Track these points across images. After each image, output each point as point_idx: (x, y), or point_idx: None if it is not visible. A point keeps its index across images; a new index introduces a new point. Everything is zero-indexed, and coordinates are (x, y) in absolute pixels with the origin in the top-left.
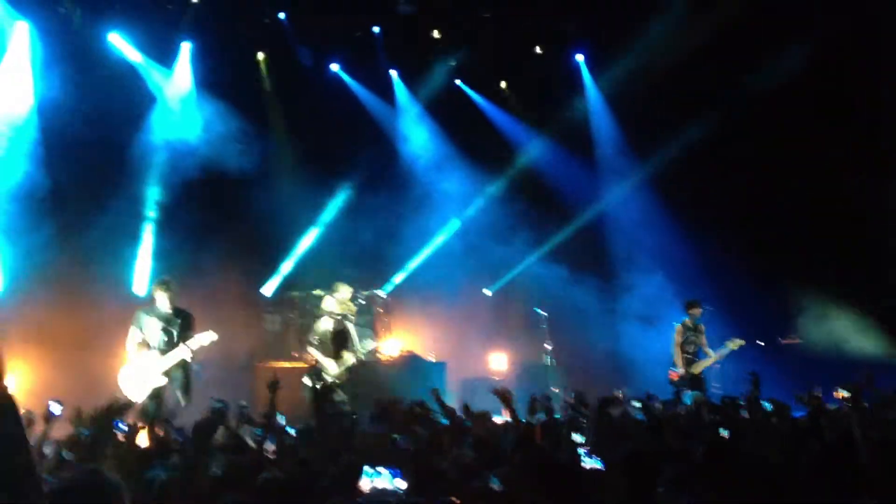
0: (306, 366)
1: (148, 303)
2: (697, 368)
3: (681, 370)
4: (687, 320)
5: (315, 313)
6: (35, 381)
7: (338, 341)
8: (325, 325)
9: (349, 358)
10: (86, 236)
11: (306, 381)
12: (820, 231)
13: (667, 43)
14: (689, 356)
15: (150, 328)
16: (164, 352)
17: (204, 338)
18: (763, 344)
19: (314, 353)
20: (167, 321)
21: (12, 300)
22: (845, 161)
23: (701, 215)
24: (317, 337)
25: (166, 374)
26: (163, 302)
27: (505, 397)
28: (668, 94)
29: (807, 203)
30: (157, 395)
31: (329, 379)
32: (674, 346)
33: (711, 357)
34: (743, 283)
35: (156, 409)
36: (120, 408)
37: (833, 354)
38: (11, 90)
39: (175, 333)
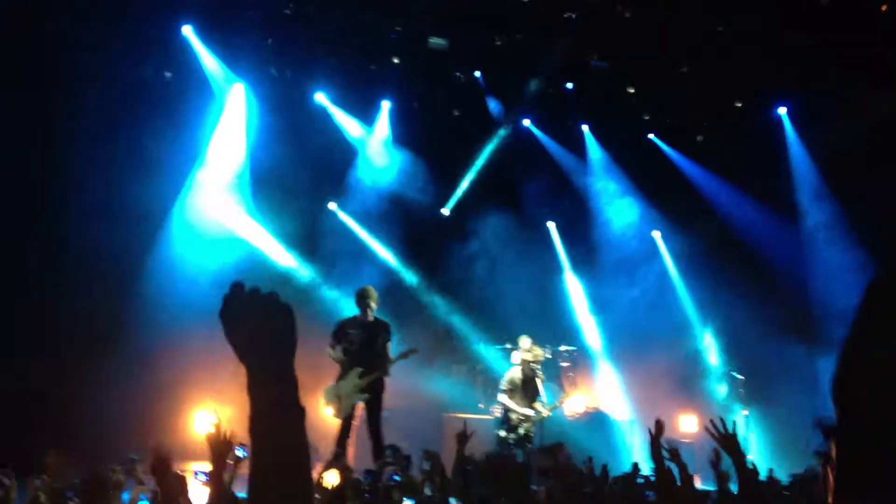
0: (492, 417)
1: (354, 313)
2: None
3: None
4: None
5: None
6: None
7: (526, 389)
8: (514, 373)
9: (538, 407)
10: (287, 289)
11: (501, 433)
12: None
13: (880, 94)
14: None
15: (357, 339)
16: (364, 363)
17: (407, 353)
18: None
19: (506, 402)
20: (368, 332)
21: (215, 347)
22: None
23: None
24: (507, 385)
25: (365, 390)
26: (364, 312)
27: (675, 454)
28: (883, 147)
29: None
30: (350, 415)
31: (521, 431)
32: None
33: None
34: None
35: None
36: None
37: None
38: (228, 146)
39: (376, 345)
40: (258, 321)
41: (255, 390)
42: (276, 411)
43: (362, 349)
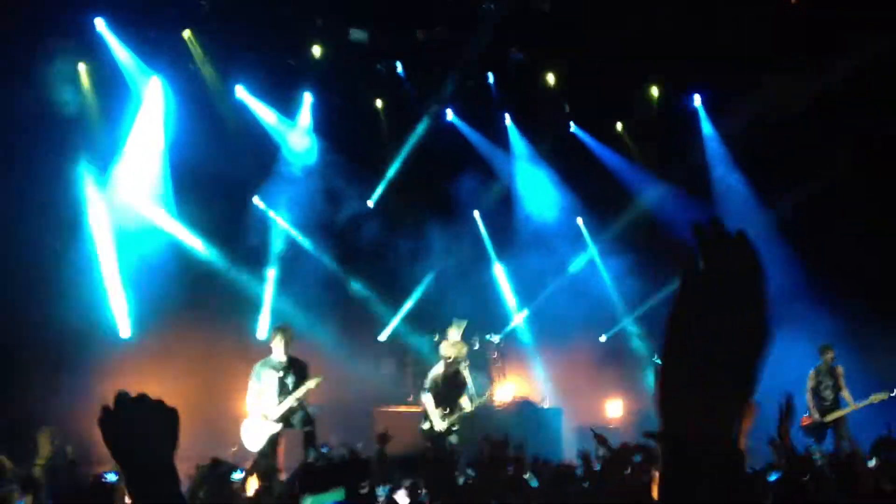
0: (420, 410)
1: (265, 355)
2: (831, 417)
3: (815, 416)
4: (820, 365)
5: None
6: None
7: (450, 386)
8: (436, 370)
9: (463, 403)
10: (212, 285)
11: (425, 426)
12: None
13: (791, 83)
14: (827, 403)
15: (267, 379)
16: (279, 400)
17: (310, 384)
18: None
19: (425, 402)
20: (282, 370)
21: (139, 348)
22: None
23: (830, 264)
24: (429, 383)
25: (281, 420)
26: (278, 350)
27: (602, 440)
28: (794, 136)
29: None
30: (272, 441)
31: (446, 424)
32: (806, 391)
33: (850, 406)
34: (876, 334)
35: (270, 457)
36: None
37: None
38: (145, 143)
39: (290, 382)
40: (142, 430)
41: (136, 489)
42: None
43: (278, 393)
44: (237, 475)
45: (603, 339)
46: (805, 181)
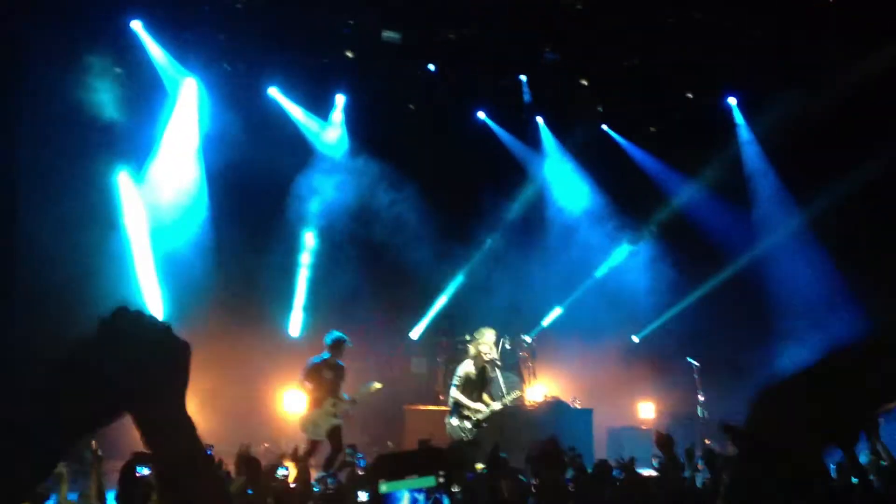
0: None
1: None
2: None
3: None
4: None
5: (459, 358)
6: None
7: (475, 384)
8: (466, 368)
9: (486, 400)
10: (245, 282)
11: (453, 421)
12: None
13: (827, 83)
14: None
15: (329, 377)
16: (336, 396)
17: (372, 388)
18: None
19: (458, 397)
20: (337, 372)
21: None
22: None
23: (869, 266)
24: (459, 381)
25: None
26: (337, 355)
27: (665, 442)
28: (829, 136)
29: None
30: (332, 433)
31: (474, 420)
32: None
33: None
34: None
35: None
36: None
37: None
38: (180, 142)
39: (339, 383)
40: (148, 356)
41: (156, 441)
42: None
43: (335, 386)
44: (282, 471)
45: (636, 339)
46: (840, 181)
